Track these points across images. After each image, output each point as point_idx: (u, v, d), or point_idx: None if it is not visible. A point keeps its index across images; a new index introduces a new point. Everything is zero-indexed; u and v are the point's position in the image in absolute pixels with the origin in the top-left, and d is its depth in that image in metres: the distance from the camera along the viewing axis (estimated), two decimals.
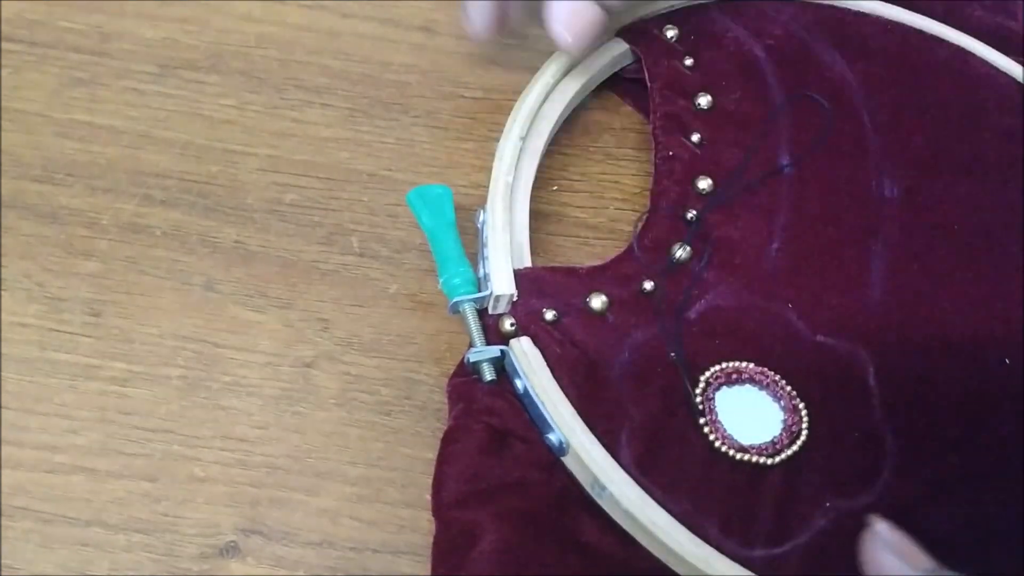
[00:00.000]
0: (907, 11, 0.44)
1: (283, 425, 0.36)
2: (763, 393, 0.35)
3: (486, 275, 0.36)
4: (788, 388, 0.35)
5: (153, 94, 0.42)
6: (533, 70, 0.41)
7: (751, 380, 0.35)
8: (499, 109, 0.42)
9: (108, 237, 0.39)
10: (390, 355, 0.37)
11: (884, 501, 0.33)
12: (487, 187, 0.37)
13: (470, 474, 0.32)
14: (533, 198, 0.40)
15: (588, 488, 0.33)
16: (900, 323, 0.37)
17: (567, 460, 0.33)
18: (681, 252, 0.37)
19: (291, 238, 0.39)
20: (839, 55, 0.42)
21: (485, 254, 0.36)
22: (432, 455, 0.33)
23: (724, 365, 0.35)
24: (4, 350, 0.36)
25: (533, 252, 0.37)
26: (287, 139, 0.41)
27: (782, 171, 0.39)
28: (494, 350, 0.34)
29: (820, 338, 0.36)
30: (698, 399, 0.34)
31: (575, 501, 0.33)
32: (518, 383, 0.34)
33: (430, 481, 0.33)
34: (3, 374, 0.36)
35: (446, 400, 0.35)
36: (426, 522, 0.33)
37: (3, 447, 0.35)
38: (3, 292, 0.37)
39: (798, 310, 0.36)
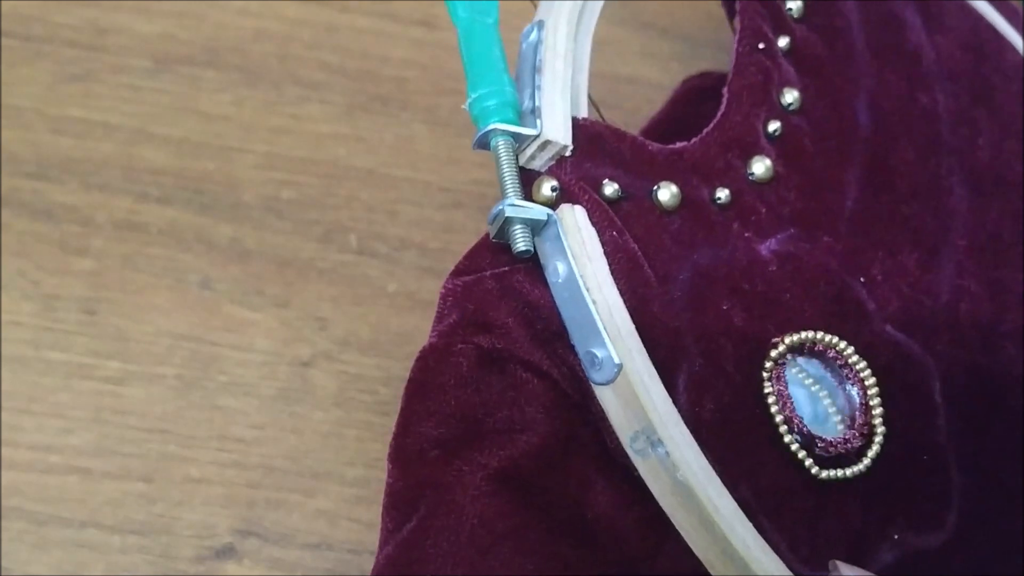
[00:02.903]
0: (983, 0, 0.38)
1: (280, 425, 0.35)
2: (827, 375, 0.29)
3: (536, 109, 0.27)
4: (867, 376, 0.28)
5: (148, 90, 0.42)
6: None
7: (820, 356, 0.28)
8: None
9: (103, 235, 0.38)
10: (389, 354, 0.37)
11: (953, 549, 0.28)
12: (488, 185, 0.37)
13: (443, 415, 0.25)
14: None
15: (626, 438, 0.25)
16: (964, 340, 0.31)
17: (605, 393, 0.25)
18: (761, 167, 0.30)
19: (288, 236, 0.39)
20: (920, 21, 0.36)
21: (538, 82, 0.27)
22: None
23: (809, 335, 0.28)
24: None
25: None
26: (284, 135, 0.41)
27: (858, 124, 0.33)
28: (539, 211, 0.25)
29: (889, 329, 0.30)
30: (768, 364, 0.27)
31: (587, 457, 0.25)
32: (559, 267, 0.25)
33: None
34: None
35: (437, 307, 0.28)
36: None
37: None
38: None
39: (869, 287, 0.30)
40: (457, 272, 0.27)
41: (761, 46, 0.32)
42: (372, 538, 0.33)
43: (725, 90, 0.31)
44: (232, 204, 0.39)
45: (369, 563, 0.33)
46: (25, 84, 0.41)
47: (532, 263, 0.26)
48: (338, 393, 0.36)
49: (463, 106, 0.27)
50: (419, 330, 0.37)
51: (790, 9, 0.33)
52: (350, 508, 0.34)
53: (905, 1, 0.36)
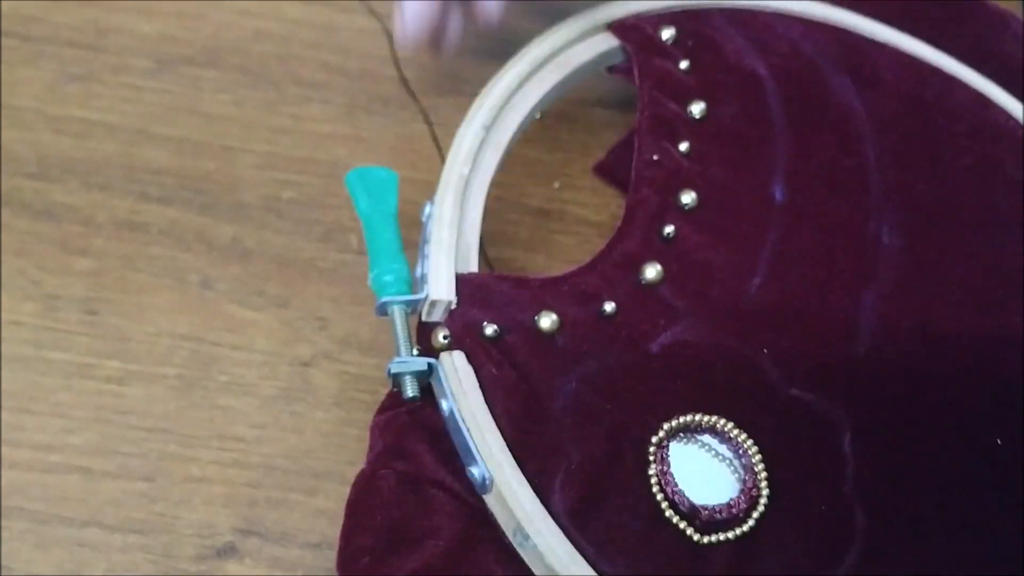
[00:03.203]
0: (928, 47, 0.41)
1: (281, 425, 0.35)
2: (723, 447, 0.32)
3: (423, 276, 0.33)
4: (750, 445, 0.31)
5: (149, 89, 0.42)
6: None
7: (711, 431, 0.32)
8: None
9: (103, 234, 0.38)
10: (389, 354, 0.36)
11: None
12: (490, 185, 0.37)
13: (374, 528, 0.30)
14: (534, 195, 0.39)
15: (509, 535, 0.30)
16: (886, 386, 0.33)
17: (489, 500, 0.30)
18: (652, 272, 0.34)
19: (289, 236, 0.39)
20: (850, 82, 0.39)
21: (426, 252, 0.33)
22: None
23: (688, 418, 0.32)
24: (0, 349, 0.36)
25: (533, 249, 0.37)
26: (285, 135, 0.41)
27: (773, 200, 0.36)
28: (420, 362, 0.31)
29: (795, 391, 0.33)
30: (652, 448, 0.31)
31: (488, 547, 0.30)
32: (444, 404, 0.31)
33: None
34: None
35: (369, 439, 0.32)
36: None
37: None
38: None
39: (774, 356, 0.33)
40: (381, 409, 0.32)
41: (655, 157, 0.36)
42: None
43: (624, 202, 0.35)
44: (233, 204, 0.39)
45: None
46: (26, 84, 0.41)
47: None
48: (338, 393, 0.36)
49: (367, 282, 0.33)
50: None
51: (691, 112, 0.37)
52: None
53: (834, 67, 0.39)
